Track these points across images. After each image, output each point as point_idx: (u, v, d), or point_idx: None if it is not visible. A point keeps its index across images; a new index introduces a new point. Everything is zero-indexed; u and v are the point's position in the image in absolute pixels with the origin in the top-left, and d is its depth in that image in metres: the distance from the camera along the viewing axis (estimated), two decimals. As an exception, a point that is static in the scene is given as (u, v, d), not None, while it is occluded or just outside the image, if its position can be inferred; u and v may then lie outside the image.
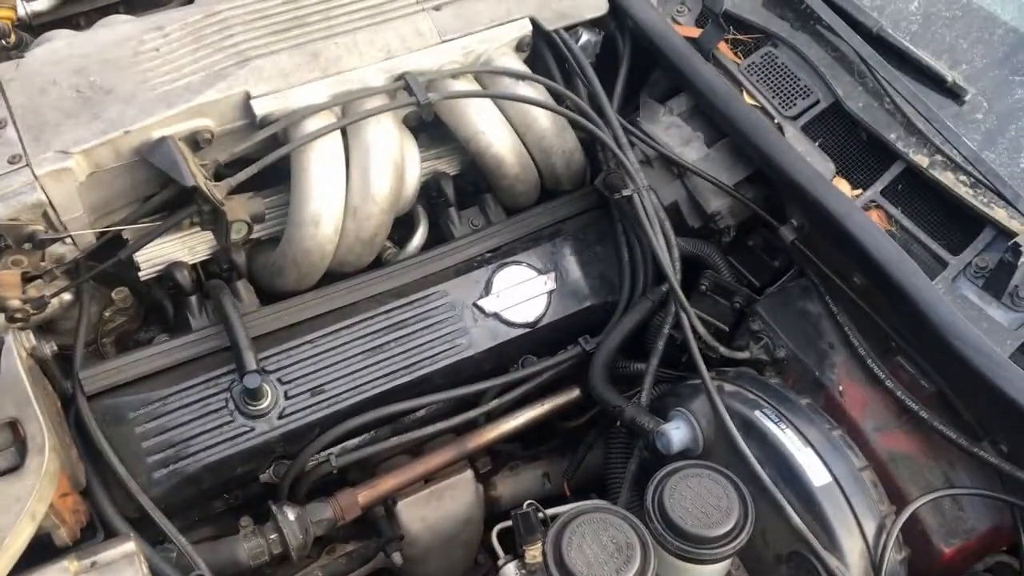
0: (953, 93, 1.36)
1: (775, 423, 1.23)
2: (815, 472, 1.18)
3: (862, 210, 1.29)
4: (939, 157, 1.31)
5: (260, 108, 1.37)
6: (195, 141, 1.36)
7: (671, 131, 1.50)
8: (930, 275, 1.26)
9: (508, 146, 1.50)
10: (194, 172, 1.30)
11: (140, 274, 1.41)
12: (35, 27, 1.98)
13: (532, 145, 1.53)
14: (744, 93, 1.45)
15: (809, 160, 1.37)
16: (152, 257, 1.41)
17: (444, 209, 1.56)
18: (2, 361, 1.16)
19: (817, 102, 1.42)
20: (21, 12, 1.96)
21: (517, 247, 1.55)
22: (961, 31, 1.41)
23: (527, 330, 1.50)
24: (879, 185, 1.35)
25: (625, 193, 1.41)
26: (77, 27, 2.06)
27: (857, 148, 1.39)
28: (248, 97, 1.37)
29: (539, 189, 1.60)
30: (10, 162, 1.27)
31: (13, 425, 1.14)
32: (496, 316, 1.49)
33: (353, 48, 1.44)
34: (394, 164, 1.42)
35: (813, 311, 1.39)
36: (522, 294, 1.52)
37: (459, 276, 1.50)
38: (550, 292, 1.53)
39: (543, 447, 1.70)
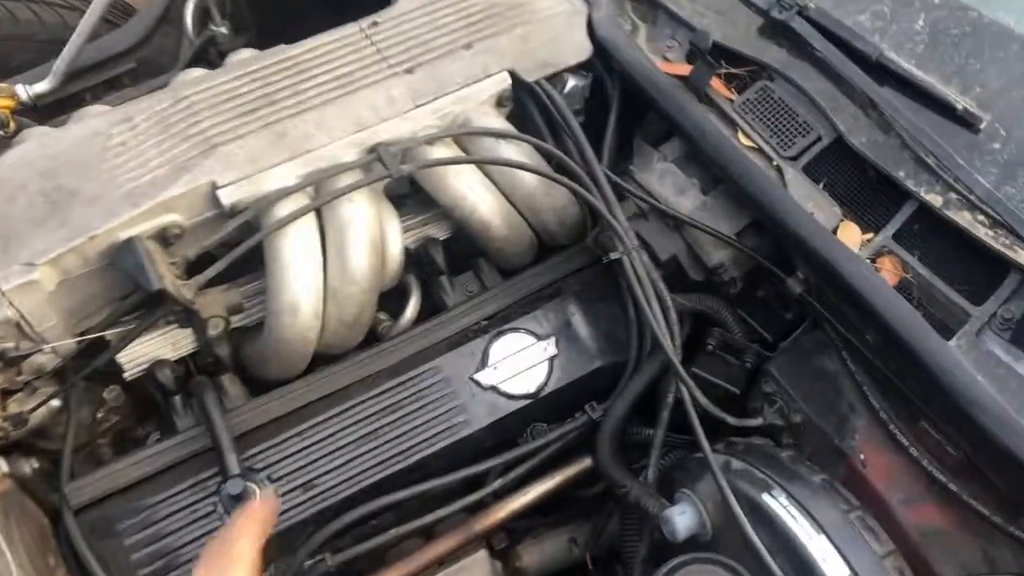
0: (966, 121, 1.22)
1: (785, 507, 1.12)
2: (830, 564, 1.07)
3: (868, 264, 1.17)
4: (953, 195, 1.18)
5: (227, 197, 1.32)
6: (164, 237, 1.32)
7: (665, 179, 1.40)
8: (951, 330, 1.14)
9: (493, 209, 1.42)
10: (161, 273, 1.25)
11: (124, 375, 1.38)
12: (41, 108, 1.98)
13: (520, 204, 1.45)
14: (740, 134, 1.34)
15: (812, 205, 1.26)
16: (135, 356, 1.38)
17: (435, 277, 1.49)
18: (-33, 496, 1.14)
19: (818, 139, 1.30)
20: (24, 96, 1.95)
21: (514, 312, 1.47)
22: (972, 50, 1.27)
23: (528, 401, 1.42)
24: (891, 228, 1.22)
25: (614, 256, 1.31)
26: (82, 103, 2.06)
27: (865, 187, 1.27)
28: (215, 187, 1.32)
29: (535, 247, 1.51)
30: (-23, 279, 1.24)
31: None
32: (494, 389, 1.41)
33: (322, 124, 1.38)
34: (371, 241, 1.35)
35: (831, 368, 1.28)
36: (521, 363, 1.43)
37: (454, 349, 1.43)
38: (551, 359, 1.44)
39: (565, 512, 1.61)
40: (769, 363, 1.31)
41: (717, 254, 1.35)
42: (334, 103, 1.39)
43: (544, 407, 1.44)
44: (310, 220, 1.34)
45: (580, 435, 1.44)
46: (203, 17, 2.14)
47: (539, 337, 1.45)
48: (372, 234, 1.35)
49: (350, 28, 1.49)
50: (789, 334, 1.35)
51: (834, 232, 1.25)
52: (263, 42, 2.05)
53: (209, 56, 2.08)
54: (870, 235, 1.24)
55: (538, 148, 1.42)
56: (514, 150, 1.41)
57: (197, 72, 1.53)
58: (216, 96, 1.40)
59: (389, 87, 1.41)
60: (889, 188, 1.24)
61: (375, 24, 1.48)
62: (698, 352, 1.39)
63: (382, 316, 1.49)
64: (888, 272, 1.21)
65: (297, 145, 1.36)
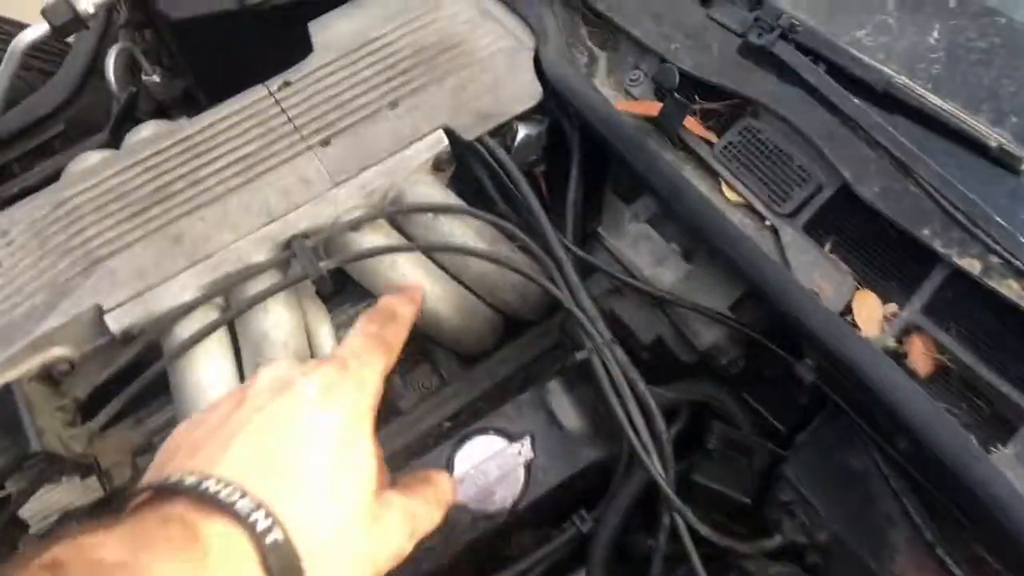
0: (1002, 161, 0.96)
1: (810, 675, 0.90)
2: None
3: (886, 358, 0.93)
4: (994, 258, 0.93)
5: (116, 323, 1.11)
6: (51, 376, 1.12)
7: (640, 246, 1.16)
8: (1007, 430, 0.90)
9: (440, 296, 1.19)
10: (42, 427, 1.05)
11: (31, 531, 1.18)
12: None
13: (473, 286, 1.22)
14: (723, 185, 1.10)
15: (818, 274, 1.02)
16: (42, 508, 1.18)
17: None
18: None
19: (820, 189, 1.05)
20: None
21: (481, 408, 1.24)
22: (1004, 67, 1.01)
23: (505, 519, 1.20)
24: (919, 299, 0.98)
25: (579, 357, 1.08)
26: (12, 176, 1.88)
27: (884, 247, 1.02)
28: (101, 311, 1.11)
29: (499, 328, 1.28)
30: None
31: None
32: (464, 508, 1.19)
33: (224, 219, 1.16)
34: (294, 354, 1.13)
35: (858, 467, 1.04)
36: (492, 472, 1.21)
37: (413, 460, 1.21)
38: (527, 463, 1.22)
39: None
40: (785, 464, 1.07)
41: (709, 333, 1.12)
42: (237, 192, 1.17)
43: (526, 520, 1.22)
44: (220, 337, 1.13)
45: (570, 550, 1.22)
46: (132, 66, 1.93)
47: (511, 437, 1.22)
48: (295, 346, 1.13)
49: (258, 92, 1.26)
50: (807, 423, 1.11)
51: (848, 306, 1.01)
52: (203, 86, 1.84)
53: (139, 113, 1.87)
54: (894, 308, 1.00)
55: (485, 219, 1.19)
56: (458, 226, 1.18)
57: (91, 159, 1.31)
58: (102, 195, 1.19)
59: (304, 164, 1.19)
60: (914, 248, 0.99)
61: (286, 85, 1.26)
62: (696, 450, 1.16)
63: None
64: (920, 356, 0.97)
65: (196, 248, 1.14)
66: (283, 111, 1.23)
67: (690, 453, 1.19)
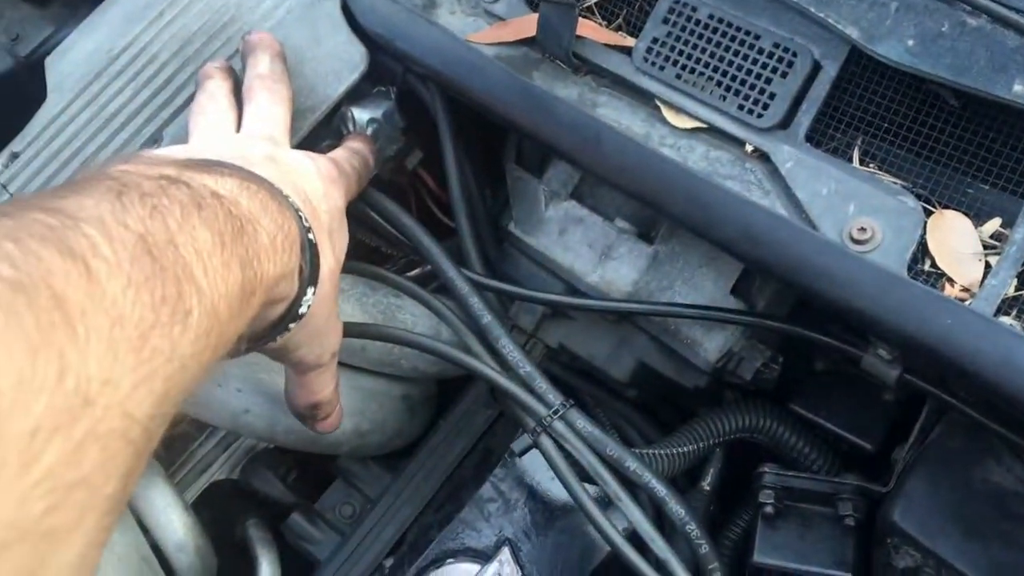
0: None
1: None
2: None
3: (995, 325, 0.52)
4: None
5: None
6: None
7: (571, 235, 0.75)
8: None
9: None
10: None
11: None
12: None
13: (366, 363, 0.83)
14: (665, 109, 0.68)
15: (851, 208, 0.60)
16: None
17: (281, 519, 0.88)
18: None
19: (815, 70, 0.63)
20: None
21: (431, 522, 0.86)
22: None
23: None
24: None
25: (517, 448, 0.69)
26: None
27: (947, 129, 0.61)
28: None
29: (422, 406, 0.89)
30: None
31: None
32: None
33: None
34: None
35: (1007, 484, 0.64)
36: (469, 618, 0.82)
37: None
38: (515, 584, 0.83)
39: None
40: (888, 505, 0.67)
41: (712, 341, 0.71)
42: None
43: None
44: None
45: None
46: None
47: (483, 555, 0.83)
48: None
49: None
50: (903, 428, 0.70)
51: (920, 246, 0.59)
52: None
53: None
54: (996, 224, 0.59)
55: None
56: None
57: None
58: None
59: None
60: (1004, 118, 0.58)
61: (13, 158, 0.86)
62: (746, 498, 0.76)
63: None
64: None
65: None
66: (10, 196, 0.84)
67: (741, 506, 0.80)
